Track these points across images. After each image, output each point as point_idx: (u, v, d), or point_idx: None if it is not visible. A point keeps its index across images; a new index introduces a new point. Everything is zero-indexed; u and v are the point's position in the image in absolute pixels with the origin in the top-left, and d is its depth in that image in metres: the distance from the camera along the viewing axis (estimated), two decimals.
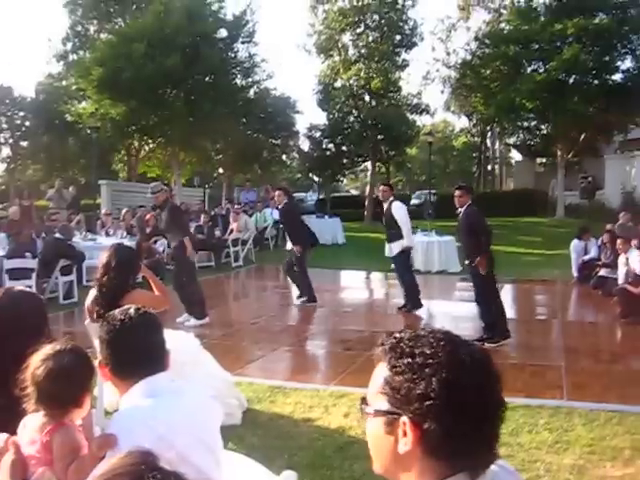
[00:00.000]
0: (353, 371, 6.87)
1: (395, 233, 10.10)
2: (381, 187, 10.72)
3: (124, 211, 16.75)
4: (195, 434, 2.06)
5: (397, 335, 1.37)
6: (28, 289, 2.91)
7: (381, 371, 1.34)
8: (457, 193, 8.23)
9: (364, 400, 1.37)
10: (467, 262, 8.29)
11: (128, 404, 2.05)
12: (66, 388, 2.05)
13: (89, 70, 23.51)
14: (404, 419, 1.27)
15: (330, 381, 6.43)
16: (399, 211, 10.11)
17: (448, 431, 1.23)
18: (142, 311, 2.15)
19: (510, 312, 11.57)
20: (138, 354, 2.07)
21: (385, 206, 10.29)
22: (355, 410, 5.47)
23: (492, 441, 1.29)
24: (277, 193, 11.28)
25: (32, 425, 2.08)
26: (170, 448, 1.92)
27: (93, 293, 5.08)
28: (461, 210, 8.18)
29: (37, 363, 2.09)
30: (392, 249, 10.26)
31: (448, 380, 1.24)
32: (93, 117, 25.06)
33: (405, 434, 1.27)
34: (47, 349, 2.13)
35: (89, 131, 29.09)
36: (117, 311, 2.13)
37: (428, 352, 1.28)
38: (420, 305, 10.30)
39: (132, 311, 2.12)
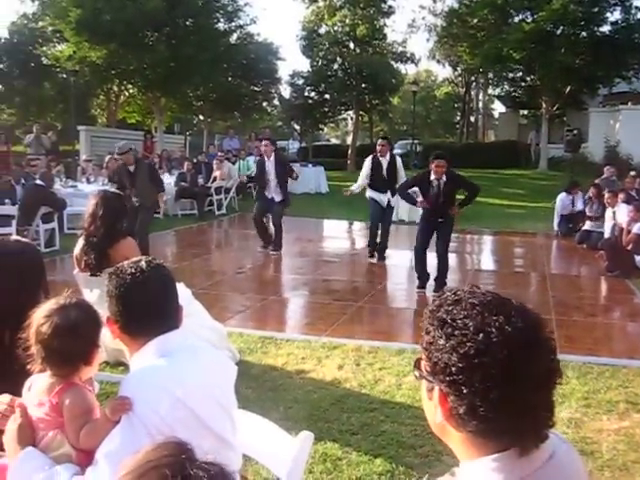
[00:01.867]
0: (344, 322, 6.83)
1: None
2: (380, 141, 10.65)
3: (107, 158, 16.40)
4: (212, 395, 1.94)
5: (442, 297, 1.28)
6: (24, 239, 2.73)
7: (425, 334, 1.27)
8: (440, 163, 8.01)
9: (418, 362, 1.29)
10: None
11: (141, 364, 1.92)
12: (75, 344, 1.91)
13: (66, 11, 22.62)
14: (436, 389, 1.22)
15: (322, 332, 6.36)
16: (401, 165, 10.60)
17: (472, 409, 1.16)
18: (154, 263, 1.99)
19: (496, 264, 11.64)
20: (151, 310, 1.92)
21: (387, 159, 10.35)
22: (349, 362, 5.43)
23: (537, 419, 1.20)
24: (265, 143, 11.10)
25: (39, 386, 1.95)
26: (188, 412, 1.82)
27: (81, 242, 4.94)
28: (439, 178, 8.09)
29: (41, 320, 1.94)
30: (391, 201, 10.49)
31: (468, 355, 1.16)
32: (71, 60, 24.29)
33: (439, 404, 1.22)
34: (50, 304, 1.98)
35: (66, 75, 28.44)
36: (126, 263, 1.97)
37: (459, 322, 1.19)
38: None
39: (143, 263, 1.95)
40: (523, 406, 1.17)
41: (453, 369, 1.17)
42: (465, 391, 1.16)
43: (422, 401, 1.30)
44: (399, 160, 10.60)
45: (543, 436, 1.21)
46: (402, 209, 15.30)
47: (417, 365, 1.29)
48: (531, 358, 1.18)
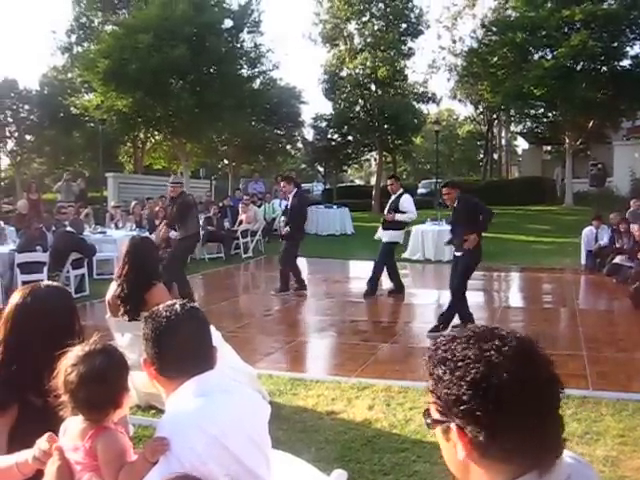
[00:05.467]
0: (373, 362, 6.81)
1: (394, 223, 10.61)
2: (389, 181, 11.13)
3: (133, 203, 16.68)
4: (246, 433, 1.97)
5: (436, 341, 1.37)
6: (56, 284, 2.77)
7: (430, 378, 1.34)
8: (445, 191, 8.19)
9: (427, 411, 1.35)
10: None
11: (177, 405, 1.95)
12: (102, 392, 1.94)
13: (94, 62, 23.31)
14: (452, 426, 1.27)
15: (351, 373, 6.35)
16: (409, 204, 10.59)
17: (491, 433, 1.21)
18: (188, 306, 2.04)
19: (525, 301, 11.54)
20: (186, 352, 1.96)
21: (394, 197, 10.70)
22: (379, 402, 5.41)
23: (551, 434, 1.25)
24: (282, 184, 11.31)
25: (73, 430, 1.98)
26: (223, 450, 1.85)
27: (113, 287, 5.02)
28: (452, 207, 8.23)
29: (68, 369, 1.97)
30: (385, 236, 10.73)
31: (475, 381, 1.22)
32: (99, 109, 24.90)
33: (458, 439, 1.26)
34: (76, 352, 2.01)
35: (94, 124, 29.10)
36: (161, 307, 2.02)
37: (458, 355, 1.27)
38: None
39: (178, 307, 2.00)
40: (536, 417, 1.22)
41: (464, 398, 1.22)
42: (480, 415, 1.21)
43: (442, 449, 1.34)
44: (405, 196, 10.66)
45: (559, 449, 1.27)
46: (428, 248, 15.38)
47: (427, 414, 1.34)
48: (532, 367, 1.25)
